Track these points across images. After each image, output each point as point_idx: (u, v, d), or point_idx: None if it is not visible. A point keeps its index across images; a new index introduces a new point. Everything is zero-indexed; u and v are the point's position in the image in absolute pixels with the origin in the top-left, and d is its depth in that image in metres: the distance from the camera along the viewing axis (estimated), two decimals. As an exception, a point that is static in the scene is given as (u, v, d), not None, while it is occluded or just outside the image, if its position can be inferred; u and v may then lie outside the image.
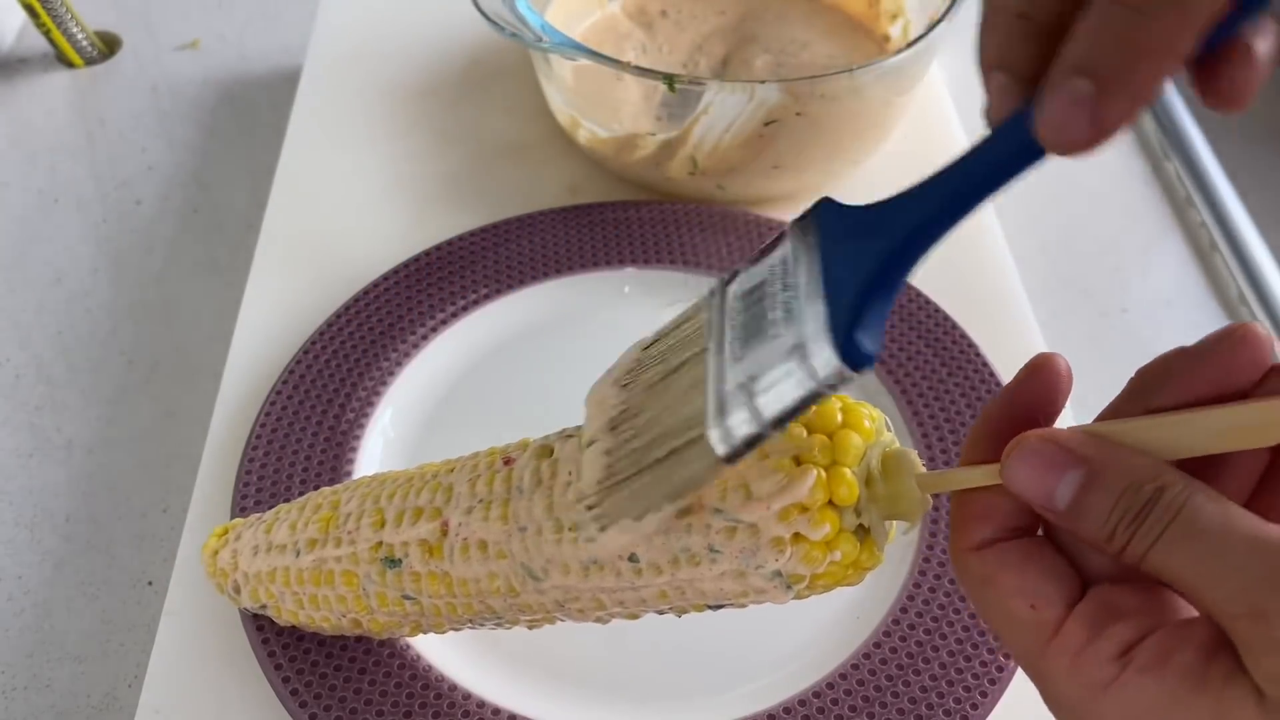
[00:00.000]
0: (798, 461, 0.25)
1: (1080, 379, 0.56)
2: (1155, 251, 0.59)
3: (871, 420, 0.26)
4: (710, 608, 0.29)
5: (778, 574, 0.26)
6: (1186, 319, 0.55)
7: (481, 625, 0.33)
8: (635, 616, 0.31)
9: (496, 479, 0.31)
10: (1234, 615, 0.20)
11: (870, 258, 0.21)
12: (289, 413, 0.46)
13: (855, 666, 0.38)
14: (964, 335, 0.48)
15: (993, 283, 0.53)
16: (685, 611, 0.30)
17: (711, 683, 0.39)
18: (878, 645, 0.39)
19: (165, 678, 0.39)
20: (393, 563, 0.32)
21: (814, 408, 0.25)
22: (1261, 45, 0.20)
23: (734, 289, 0.25)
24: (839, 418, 0.26)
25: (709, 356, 0.24)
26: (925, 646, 0.39)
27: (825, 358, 0.21)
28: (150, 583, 0.45)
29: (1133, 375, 0.23)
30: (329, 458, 0.44)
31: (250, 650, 0.39)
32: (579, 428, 0.31)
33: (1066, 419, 0.47)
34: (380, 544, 0.32)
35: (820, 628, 0.40)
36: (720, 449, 0.23)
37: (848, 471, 0.25)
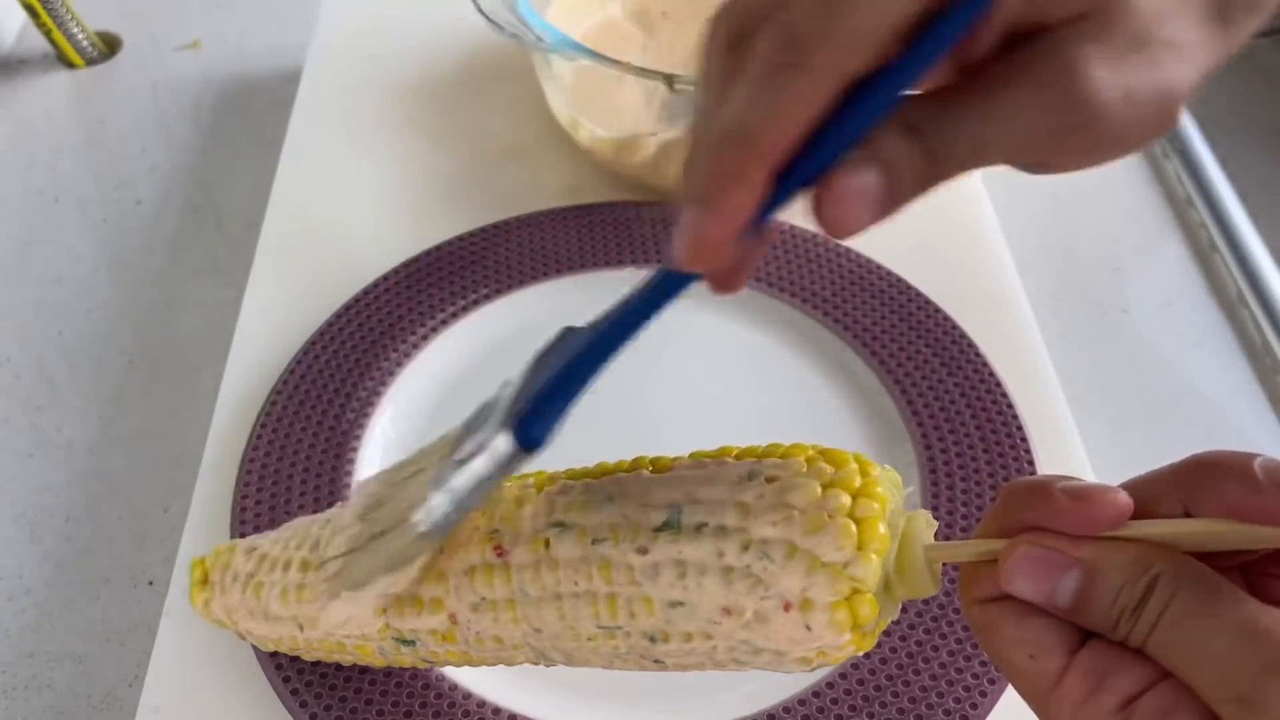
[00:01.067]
0: (813, 604, 0.25)
1: (1080, 379, 0.56)
2: (1155, 251, 0.59)
3: (885, 522, 0.25)
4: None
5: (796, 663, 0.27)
6: (1186, 319, 0.55)
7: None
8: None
9: (495, 577, 0.29)
10: (1222, 700, 0.20)
11: (549, 373, 0.27)
12: (289, 413, 0.46)
13: (855, 666, 0.38)
14: (964, 335, 0.48)
15: (993, 283, 0.53)
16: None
17: (712, 683, 0.39)
18: (878, 645, 0.39)
19: (165, 678, 0.39)
20: (407, 643, 0.32)
21: (838, 525, 0.25)
22: (846, 182, 0.23)
23: (475, 411, 0.29)
24: (854, 532, 0.25)
25: (441, 460, 0.29)
26: (925, 646, 0.39)
27: (504, 440, 0.26)
28: (150, 583, 0.45)
29: (1190, 459, 0.23)
30: (329, 458, 0.45)
31: (250, 650, 0.39)
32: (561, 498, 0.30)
33: (1068, 424, 0.47)
34: (389, 626, 0.31)
35: (820, 628, 0.40)
36: (421, 526, 0.27)
37: (869, 596, 0.25)
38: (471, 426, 0.28)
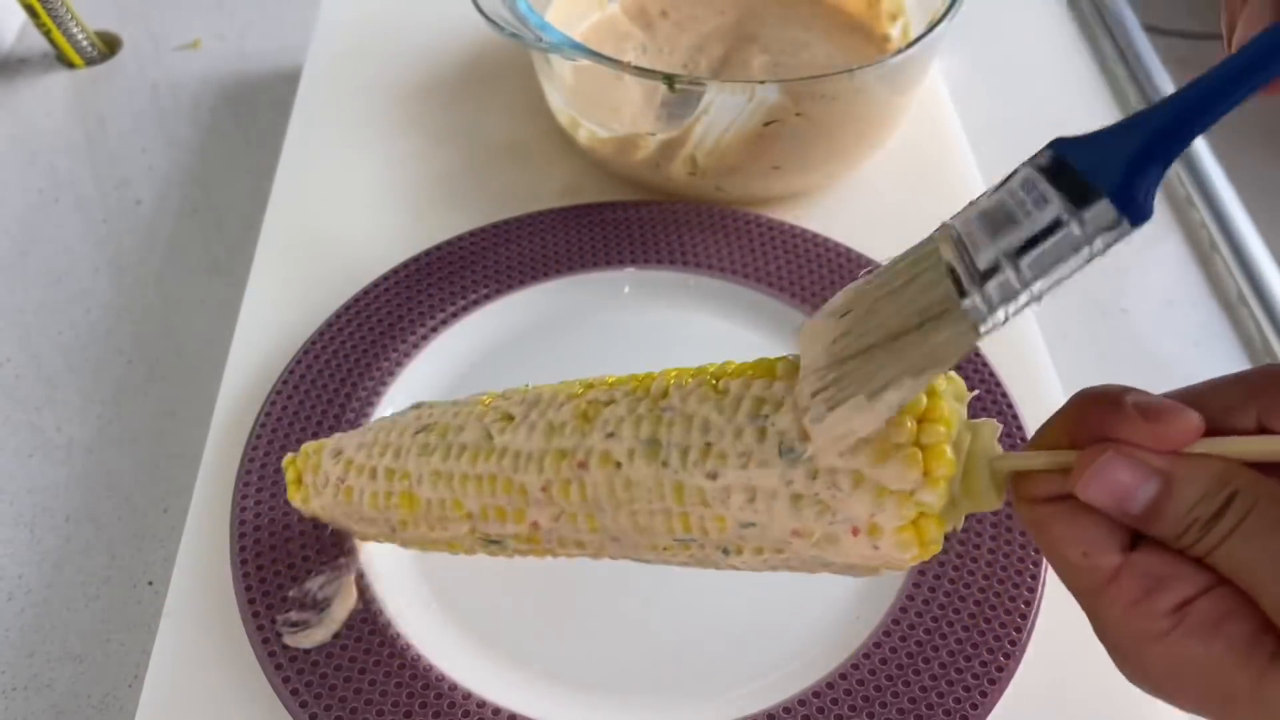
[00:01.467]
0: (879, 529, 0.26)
1: (1080, 379, 0.56)
2: (1155, 251, 0.59)
3: (951, 444, 0.25)
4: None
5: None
6: (1186, 319, 0.55)
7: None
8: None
9: (572, 490, 0.30)
10: None
11: (1134, 142, 0.21)
12: (289, 413, 0.46)
13: (855, 666, 0.38)
14: (964, 335, 0.48)
15: (993, 283, 0.53)
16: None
17: (712, 682, 0.39)
18: (878, 645, 0.39)
19: (165, 678, 0.39)
20: (495, 542, 0.34)
21: (904, 455, 0.25)
22: None
23: (965, 216, 0.25)
24: (920, 460, 0.25)
25: (949, 260, 0.24)
26: (925, 646, 0.39)
27: (1099, 209, 0.21)
28: (150, 582, 0.45)
29: (1263, 370, 0.23)
30: (329, 458, 0.45)
31: (250, 650, 0.39)
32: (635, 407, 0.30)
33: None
34: (475, 530, 0.33)
35: (820, 628, 0.40)
36: (980, 312, 0.22)
37: (935, 517, 0.25)
38: (992, 221, 0.23)
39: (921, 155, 0.59)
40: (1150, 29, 0.71)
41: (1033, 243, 0.22)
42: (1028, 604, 0.39)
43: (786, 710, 0.38)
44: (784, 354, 0.51)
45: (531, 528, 0.32)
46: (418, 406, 0.37)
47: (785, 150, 0.52)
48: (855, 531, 0.26)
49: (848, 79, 0.48)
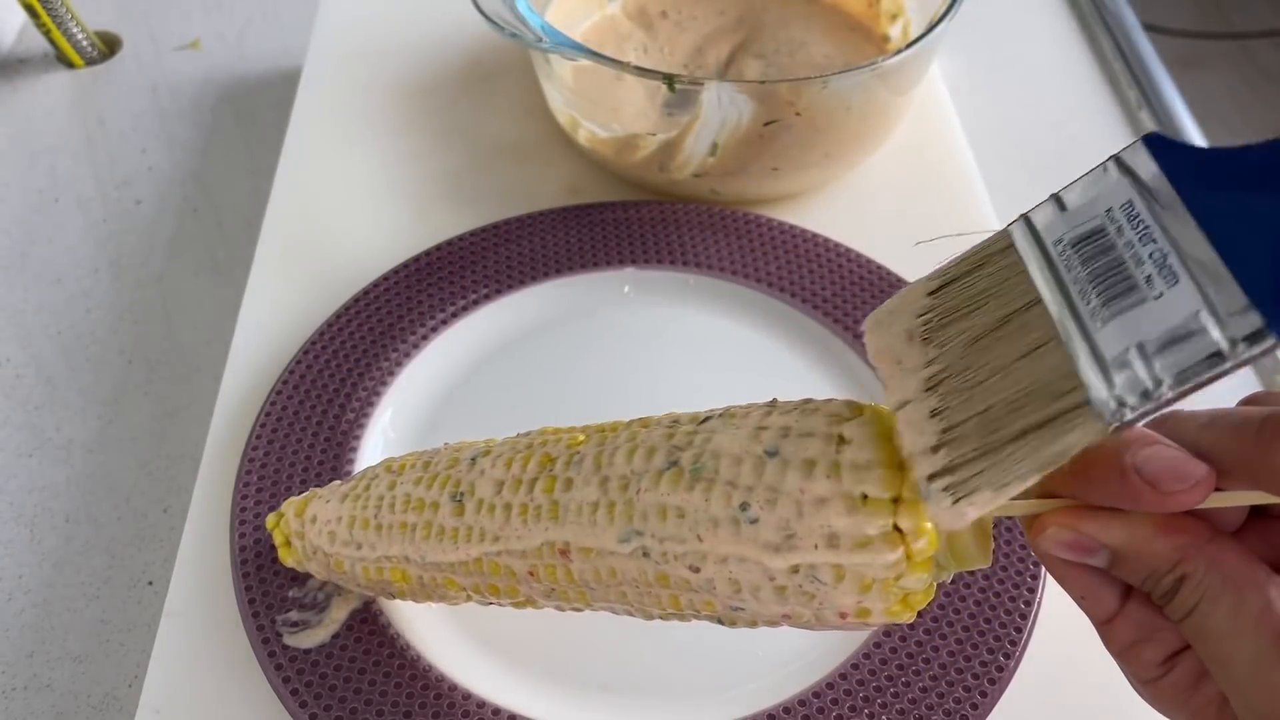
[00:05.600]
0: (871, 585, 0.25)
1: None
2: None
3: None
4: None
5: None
6: (1186, 319, 0.55)
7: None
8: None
9: (558, 573, 0.31)
10: (1242, 712, 0.21)
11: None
12: (289, 413, 0.46)
13: (855, 666, 0.38)
14: (964, 335, 0.48)
15: (993, 283, 0.53)
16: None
17: (711, 683, 0.39)
18: (878, 645, 0.39)
19: (165, 678, 0.39)
20: (495, 603, 0.35)
21: (883, 544, 0.24)
22: None
23: (1050, 234, 0.23)
24: (900, 548, 0.25)
25: (1057, 314, 0.22)
26: (925, 646, 0.39)
27: (1248, 322, 0.19)
28: (150, 583, 0.45)
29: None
30: (329, 458, 0.44)
31: (250, 650, 0.39)
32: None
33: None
34: (472, 597, 0.35)
35: (820, 628, 0.40)
36: (1109, 419, 0.21)
37: (922, 592, 0.25)
38: (1102, 275, 0.21)
39: (921, 155, 0.59)
40: (1150, 29, 0.71)
41: (1166, 348, 0.20)
42: (1028, 604, 0.39)
43: (786, 710, 0.38)
44: (781, 356, 0.51)
45: (527, 599, 0.33)
46: (387, 464, 0.37)
47: (785, 150, 0.52)
48: (844, 615, 0.26)
49: (848, 79, 0.48)
